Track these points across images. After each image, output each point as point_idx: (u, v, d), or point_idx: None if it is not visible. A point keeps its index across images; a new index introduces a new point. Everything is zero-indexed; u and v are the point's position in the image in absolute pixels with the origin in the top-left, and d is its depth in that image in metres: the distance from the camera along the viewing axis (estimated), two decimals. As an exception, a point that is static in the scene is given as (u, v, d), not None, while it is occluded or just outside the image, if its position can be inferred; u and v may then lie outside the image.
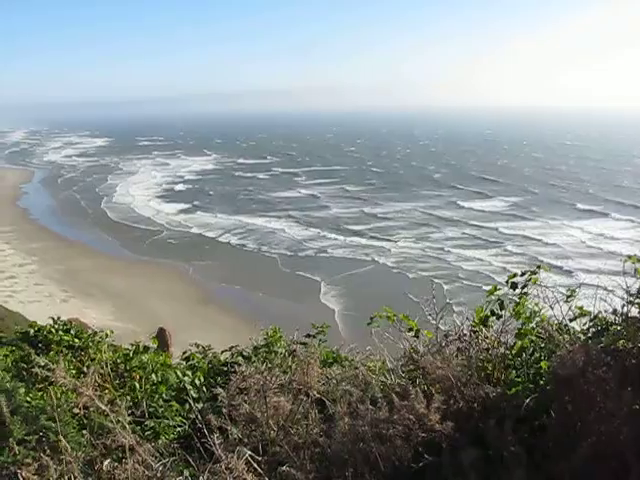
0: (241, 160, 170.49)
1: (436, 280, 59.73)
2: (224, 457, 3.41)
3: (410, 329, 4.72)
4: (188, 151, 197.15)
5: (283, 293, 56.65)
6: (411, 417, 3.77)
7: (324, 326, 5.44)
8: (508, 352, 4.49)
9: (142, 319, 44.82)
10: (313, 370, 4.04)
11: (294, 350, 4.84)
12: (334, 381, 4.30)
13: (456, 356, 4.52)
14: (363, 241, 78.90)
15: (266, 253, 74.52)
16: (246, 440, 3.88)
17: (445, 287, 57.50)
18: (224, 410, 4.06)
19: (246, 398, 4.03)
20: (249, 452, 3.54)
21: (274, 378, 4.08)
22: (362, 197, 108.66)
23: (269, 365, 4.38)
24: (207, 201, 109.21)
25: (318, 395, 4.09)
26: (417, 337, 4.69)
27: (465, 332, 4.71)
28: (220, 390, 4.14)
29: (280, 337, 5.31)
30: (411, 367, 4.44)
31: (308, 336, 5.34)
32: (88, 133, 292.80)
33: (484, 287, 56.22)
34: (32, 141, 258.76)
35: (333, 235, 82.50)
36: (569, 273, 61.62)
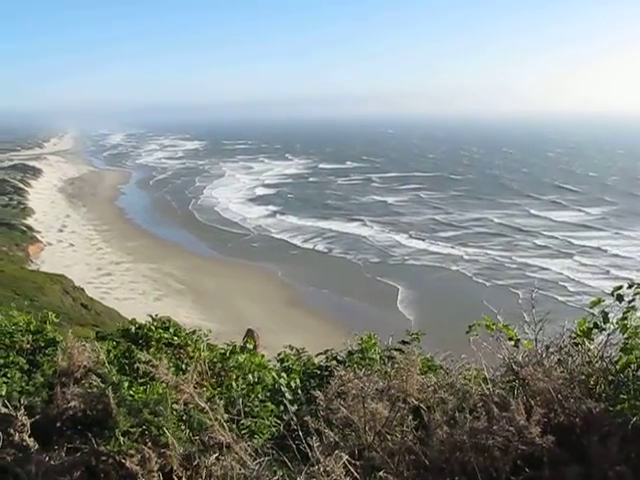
0: (322, 165, 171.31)
1: (512, 290, 58.88)
2: (322, 460, 3.42)
3: (510, 339, 4.61)
4: (272, 155, 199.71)
5: (364, 298, 56.75)
6: (511, 429, 3.69)
7: (419, 333, 5.38)
8: (612, 367, 4.33)
9: (230, 319, 45.57)
10: (412, 377, 4.02)
11: (393, 356, 4.81)
12: (430, 389, 4.25)
13: (556, 369, 4.39)
14: (437, 248, 78.39)
15: (349, 257, 74.82)
16: (342, 444, 3.88)
17: (520, 296, 56.55)
18: (321, 413, 4.08)
19: (343, 402, 4.04)
20: (346, 456, 3.53)
21: (372, 384, 4.07)
22: (438, 204, 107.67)
23: (368, 371, 4.37)
24: (290, 205, 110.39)
25: (416, 402, 4.05)
26: (517, 347, 4.57)
27: (566, 344, 4.58)
28: (318, 393, 4.16)
29: (375, 343, 5.29)
30: (510, 378, 4.34)
31: (403, 343, 5.30)
32: (180, 136, 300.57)
33: (558, 297, 54.88)
34: (129, 144, 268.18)
35: (412, 241, 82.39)
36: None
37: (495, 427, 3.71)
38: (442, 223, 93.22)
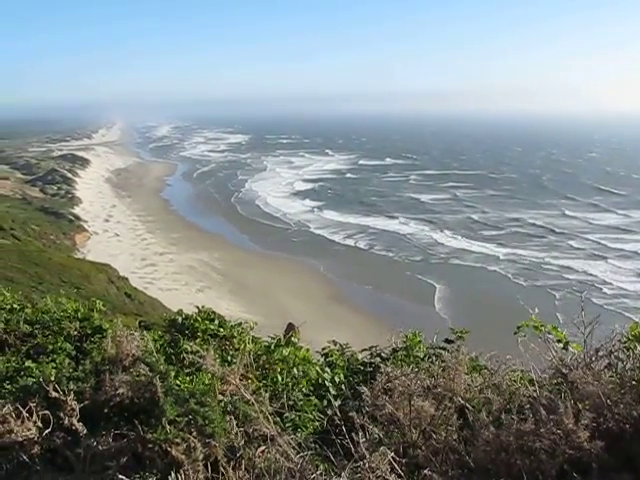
0: (362, 161, 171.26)
1: (549, 291, 58.38)
2: (367, 456, 3.42)
3: (558, 340, 4.55)
4: (313, 150, 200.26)
5: (404, 295, 56.75)
6: (558, 432, 3.63)
7: (464, 331, 5.33)
8: (666, 374, 4.23)
9: (271, 313, 45.86)
10: (459, 376, 3.98)
11: (440, 354, 4.78)
12: (476, 388, 4.21)
13: (605, 373, 4.31)
14: (475, 248, 78.34)
15: (389, 255, 74.84)
16: (386, 441, 3.87)
17: (557, 297, 56.07)
18: (366, 409, 4.07)
19: (389, 399, 4.02)
20: (392, 453, 3.52)
21: (419, 381, 4.05)
22: (476, 203, 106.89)
23: (415, 368, 4.34)
24: (329, 201, 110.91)
25: (462, 402, 4.02)
26: (565, 349, 4.50)
27: (616, 348, 4.49)
28: (364, 389, 4.15)
29: (420, 341, 5.26)
30: (558, 380, 4.28)
31: (448, 341, 5.26)
32: (224, 130, 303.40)
33: (594, 300, 54.13)
34: (175, 136, 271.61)
35: (450, 240, 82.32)
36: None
37: (542, 430, 3.65)
38: (479, 222, 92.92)
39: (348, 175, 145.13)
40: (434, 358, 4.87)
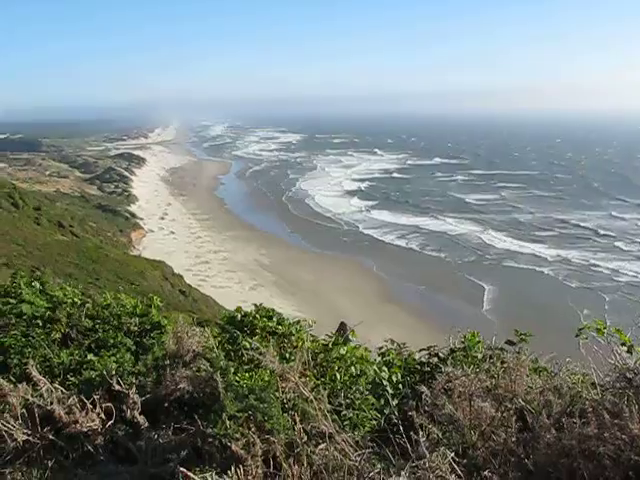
0: (411, 161, 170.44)
1: (599, 293, 57.38)
2: (428, 455, 3.40)
3: (623, 344, 4.45)
4: (363, 150, 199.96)
5: (454, 296, 56.38)
6: (623, 437, 3.54)
7: (527, 333, 5.26)
8: None
9: (323, 311, 45.87)
10: (521, 378, 3.93)
11: (499, 355, 4.73)
12: (537, 390, 4.14)
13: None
14: (523, 249, 77.24)
15: (439, 255, 74.53)
16: (445, 441, 3.84)
17: (607, 299, 54.97)
18: (425, 409, 4.05)
19: (449, 399, 4.00)
20: (452, 454, 3.49)
21: (480, 382, 4.00)
22: (519, 204, 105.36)
23: (476, 369, 4.30)
24: (379, 200, 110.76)
25: (522, 404, 3.96)
26: (630, 353, 4.40)
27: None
28: (424, 388, 4.13)
29: (479, 341, 5.20)
30: (622, 384, 4.17)
31: (510, 343, 5.19)
32: (276, 129, 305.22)
33: None
34: (229, 135, 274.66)
35: (498, 241, 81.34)
36: None
37: (606, 434, 3.57)
38: (527, 223, 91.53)
39: (397, 175, 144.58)
40: (495, 359, 4.81)
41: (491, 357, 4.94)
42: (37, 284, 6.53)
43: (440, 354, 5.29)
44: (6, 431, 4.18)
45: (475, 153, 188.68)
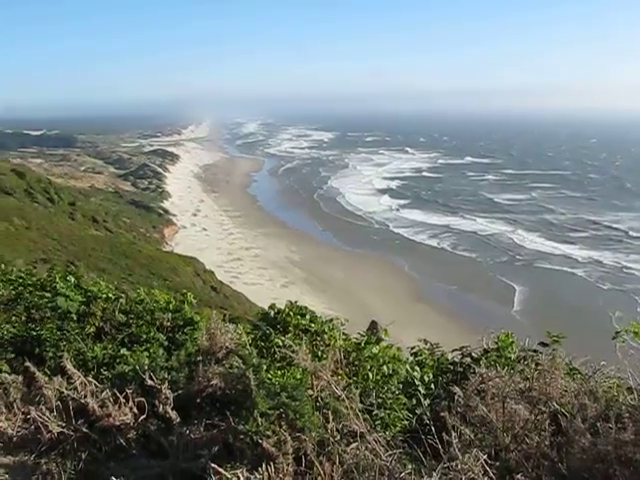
0: (442, 160, 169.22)
1: (632, 295, 56.66)
2: (460, 457, 3.37)
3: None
4: (395, 149, 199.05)
5: (485, 296, 56.04)
6: (661, 443, 3.48)
7: (560, 335, 5.18)
8: None
9: (354, 310, 45.78)
10: (556, 380, 3.88)
11: (533, 357, 4.67)
12: (571, 394, 4.08)
13: None
14: (554, 250, 76.30)
15: (471, 255, 74.13)
16: (477, 443, 3.80)
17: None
18: (458, 410, 4.02)
19: (482, 401, 3.96)
20: (484, 456, 3.46)
21: (514, 384, 3.96)
22: (551, 205, 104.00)
23: (511, 370, 4.26)
24: (409, 200, 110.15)
25: (557, 407, 3.91)
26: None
27: None
28: (457, 389, 4.10)
29: (512, 342, 5.14)
30: (660, 389, 4.10)
31: (543, 344, 5.12)
32: (308, 127, 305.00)
33: None
34: (262, 132, 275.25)
35: (530, 242, 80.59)
36: None
37: (643, 440, 3.51)
38: (558, 224, 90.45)
39: (428, 174, 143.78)
40: (529, 361, 4.75)
41: (525, 359, 4.88)
42: (72, 278, 6.61)
43: (473, 354, 5.24)
44: (42, 422, 4.26)
45: (507, 152, 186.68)
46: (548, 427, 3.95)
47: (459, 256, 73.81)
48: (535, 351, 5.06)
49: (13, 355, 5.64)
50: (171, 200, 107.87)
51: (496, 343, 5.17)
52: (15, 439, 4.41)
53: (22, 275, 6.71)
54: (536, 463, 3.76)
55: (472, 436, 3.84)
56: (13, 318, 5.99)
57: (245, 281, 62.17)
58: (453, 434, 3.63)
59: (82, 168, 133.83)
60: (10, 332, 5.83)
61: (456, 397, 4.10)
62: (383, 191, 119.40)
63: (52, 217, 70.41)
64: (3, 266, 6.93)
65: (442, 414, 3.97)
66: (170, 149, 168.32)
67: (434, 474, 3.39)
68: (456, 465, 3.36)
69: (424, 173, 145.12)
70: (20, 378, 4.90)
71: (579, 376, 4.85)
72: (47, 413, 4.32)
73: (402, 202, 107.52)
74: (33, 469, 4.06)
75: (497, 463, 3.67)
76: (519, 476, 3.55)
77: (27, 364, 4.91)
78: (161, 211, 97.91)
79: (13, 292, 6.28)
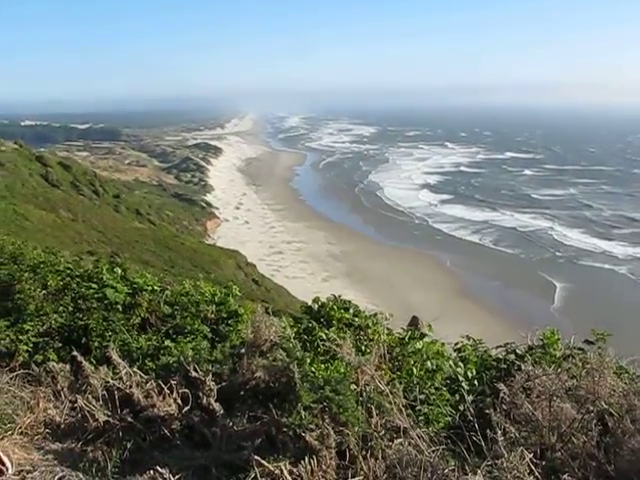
0: (482, 155, 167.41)
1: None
2: (506, 455, 3.33)
3: None
4: (435, 143, 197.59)
5: (525, 293, 55.47)
6: None
7: (604, 333, 5.08)
8: None
9: (395, 304, 45.58)
10: (604, 379, 3.80)
11: (578, 355, 4.59)
12: (619, 394, 3.99)
13: None
14: (595, 247, 75.19)
15: (512, 251, 73.48)
16: (522, 441, 3.75)
17: None
18: (503, 407, 3.96)
19: (527, 398, 3.90)
20: (530, 455, 3.41)
21: (560, 382, 3.89)
22: (592, 202, 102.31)
23: (558, 369, 4.19)
24: (449, 195, 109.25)
25: (605, 406, 3.83)
26: None
27: None
28: (502, 386, 4.04)
29: (558, 339, 5.06)
30: None
31: (588, 342, 5.03)
32: (350, 121, 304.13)
33: None
34: (304, 126, 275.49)
35: (569, 238, 79.79)
36: None
37: (694, 442, 3.43)
38: (600, 221, 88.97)
39: (467, 169, 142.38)
40: (577, 359, 4.66)
41: (572, 356, 4.80)
42: (119, 270, 6.71)
43: (517, 351, 5.17)
44: (88, 411, 4.33)
45: (548, 147, 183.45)
46: (595, 427, 3.88)
47: (500, 252, 73.16)
48: (581, 349, 4.98)
49: (60, 344, 5.76)
50: (214, 193, 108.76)
51: (541, 340, 5.10)
52: (63, 426, 4.50)
53: (70, 266, 6.83)
54: (583, 463, 3.69)
55: (517, 434, 3.79)
56: (61, 308, 6.10)
57: (286, 274, 62.39)
58: (499, 432, 3.59)
59: (126, 161, 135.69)
60: (58, 322, 5.95)
61: (501, 394, 4.05)
62: (423, 186, 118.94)
63: (97, 209, 71.52)
64: (52, 257, 7.06)
65: (487, 411, 3.93)
66: (213, 142, 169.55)
67: (478, 471, 3.35)
68: (501, 463, 3.32)
69: (464, 168, 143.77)
70: (67, 367, 5.01)
71: (627, 375, 4.76)
72: (93, 402, 4.40)
73: (442, 197, 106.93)
74: (80, 456, 4.13)
75: (543, 462, 3.62)
76: (565, 476, 3.49)
77: (74, 353, 5.00)
78: (204, 204, 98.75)
79: (61, 283, 6.40)
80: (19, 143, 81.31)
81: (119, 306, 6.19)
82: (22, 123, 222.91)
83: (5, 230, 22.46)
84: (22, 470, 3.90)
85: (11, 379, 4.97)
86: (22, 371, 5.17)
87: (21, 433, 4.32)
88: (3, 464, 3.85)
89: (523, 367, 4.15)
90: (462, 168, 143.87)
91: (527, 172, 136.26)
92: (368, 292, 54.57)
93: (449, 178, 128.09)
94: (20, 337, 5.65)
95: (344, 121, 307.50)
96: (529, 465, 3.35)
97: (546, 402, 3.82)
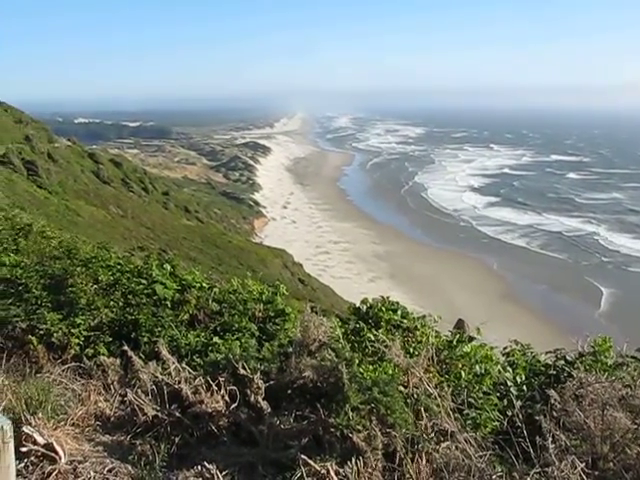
0: (526, 158, 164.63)
1: None
2: (557, 463, 3.27)
3: None
4: (480, 145, 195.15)
5: (572, 298, 54.53)
6: None
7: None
8: None
9: (440, 307, 45.10)
10: (660, 389, 3.71)
11: (636, 364, 4.48)
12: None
13: None
14: (636, 252, 73.01)
15: (559, 255, 72.14)
16: (573, 450, 3.67)
17: None
18: (553, 414, 3.89)
19: (578, 406, 3.82)
20: (582, 464, 3.34)
21: (614, 391, 3.80)
22: (636, 207, 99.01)
23: (612, 377, 4.10)
24: (496, 197, 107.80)
25: (660, 417, 3.73)
26: None
27: None
28: (553, 393, 3.97)
29: (610, 347, 4.94)
30: None
31: (640, 350, 4.90)
32: (397, 122, 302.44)
33: None
34: (352, 127, 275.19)
35: (616, 244, 77.97)
36: None
37: None
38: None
39: (511, 172, 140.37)
40: (632, 367, 4.55)
41: (627, 364, 4.68)
42: (168, 267, 6.79)
43: (567, 357, 5.07)
44: (138, 405, 4.40)
45: (595, 151, 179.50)
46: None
47: (546, 256, 72.11)
48: (634, 357, 4.86)
49: (111, 339, 5.85)
50: (262, 192, 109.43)
51: (592, 347, 4.99)
52: (112, 419, 4.58)
53: (120, 262, 6.93)
54: (636, 475, 3.60)
55: (567, 442, 3.72)
56: (111, 303, 6.20)
57: (333, 274, 62.43)
58: (550, 439, 3.52)
59: (176, 159, 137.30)
60: (109, 316, 6.05)
61: (551, 401, 3.97)
62: (467, 187, 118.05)
63: (146, 206, 72.50)
64: (104, 252, 7.18)
65: (536, 417, 3.86)
66: (262, 142, 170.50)
67: (527, 479, 3.30)
68: (552, 471, 3.26)
69: (508, 170, 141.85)
70: (117, 361, 5.09)
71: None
72: (142, 396, 4.46)
73: (486, 200, 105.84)
74: (129, 449, 4.19)
75: (595, 472, 3.54)
76: (618, 487, 3.42)
77: (124, 348, 5.09)
78: (252, 203, 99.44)
79: (112, 278, 6.50)
80: (72, 140, 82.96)
81: (168, 302, 6.26)
82: (75, 121, 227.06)
83: (57, 225, 22.94)
84: (74, 460, 3.98)
85: (63, 371, 5.08)
86: (74, 364, 5.28)
87: (73, 424, 4.40)
88: (56, 453, 3.93)
89: (574, 374, 4.07)
90: (506, 171, 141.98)
91: (572, 175, 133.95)
92: (413, 293, 54.25)
93: (493, 180, 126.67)
94: (72, 330, 5.75)
95: (392, 122, 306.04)
96: (580, 475, 3.29)
97: (598, 410, 3.73)
